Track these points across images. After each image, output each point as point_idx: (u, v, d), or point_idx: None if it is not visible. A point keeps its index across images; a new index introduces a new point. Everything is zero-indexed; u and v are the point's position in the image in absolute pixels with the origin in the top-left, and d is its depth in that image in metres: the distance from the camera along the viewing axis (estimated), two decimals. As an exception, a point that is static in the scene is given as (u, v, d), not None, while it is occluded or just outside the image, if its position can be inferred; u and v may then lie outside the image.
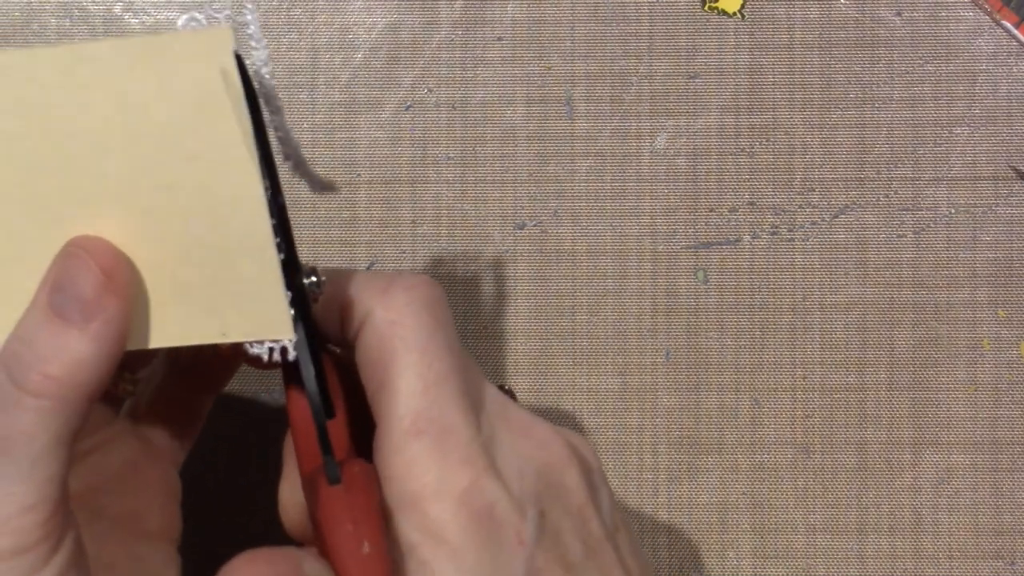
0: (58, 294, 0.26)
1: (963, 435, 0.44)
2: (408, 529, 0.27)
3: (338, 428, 0.29)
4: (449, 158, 0.44)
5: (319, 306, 0.29)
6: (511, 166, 0.44)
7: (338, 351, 0.32)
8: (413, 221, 0.44)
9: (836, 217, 0.44)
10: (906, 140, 0.44)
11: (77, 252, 0.26)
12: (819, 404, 0.44)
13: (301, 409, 0.29)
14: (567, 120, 0.44)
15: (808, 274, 0.44)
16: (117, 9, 0.43)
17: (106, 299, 0.26)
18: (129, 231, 0.27)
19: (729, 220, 0.44)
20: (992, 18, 0.44)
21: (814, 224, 0.44)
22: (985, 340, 0.44)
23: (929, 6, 0.44)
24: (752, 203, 0.44)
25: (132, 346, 0.27)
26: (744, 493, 0.44)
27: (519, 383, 0.44)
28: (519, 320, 0.44)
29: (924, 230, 0.44)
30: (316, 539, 0.28)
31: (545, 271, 0.44)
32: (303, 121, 0.43)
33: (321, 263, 0.43)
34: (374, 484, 0.28)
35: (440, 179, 0.44)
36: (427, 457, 0.27)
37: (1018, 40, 0.44)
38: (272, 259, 0.27)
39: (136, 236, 0.27)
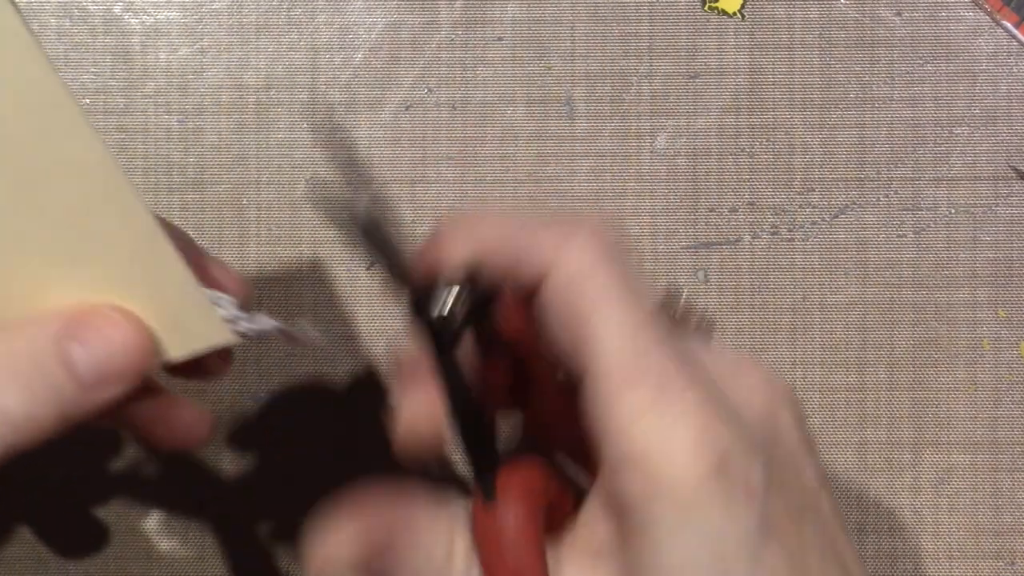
0: (81, 347, 0.27)
1: (963, 435, 0.44)
2: (631, 488, 0.25)
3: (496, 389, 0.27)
4: (449, 158, 0.44)
5: (495, 255, 0.27)
6: (511, 166, 0.44)
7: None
8: (413, 221, 0.44)
9: (836, 217, 0.44)
10: (906, 140, 0.44)
11: (119, 320, 0.28)
12: (819, 404, 0.44)
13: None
14: (567, 120, 0.44)
15: (808, 274, 0.44)
16: (117, 9, 0.43)
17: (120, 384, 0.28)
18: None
19: (729, 220, 0.44)
20: (992, 18, 0.44)
21: (814, 224, 0.44)
22: (985, 340, 0.44)
23: (929, 6, 0.44)
24: (752, 203, 0.44)
25: None
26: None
27: (519, 383, 0.44)
28: (519, 320, 0.44)
29: (924, 230, 0.44)
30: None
31: (545, 271, 0.44)
32: (303, 121, 0.43)
33: (321, 263, 0.43)
34: (537, 494, 0.26)
35: (440, 179, 0.44)
36: (648, 408, 0.25)
37: (1018, 40, 0.44)
38: (181, 273, 0.28)
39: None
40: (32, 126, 0.27)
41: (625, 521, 0.25)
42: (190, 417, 0.31)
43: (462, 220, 0.28)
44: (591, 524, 0.26)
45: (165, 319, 0.29)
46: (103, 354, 0.28)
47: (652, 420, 0.25)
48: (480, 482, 0.25)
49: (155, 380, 0.30)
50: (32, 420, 0.27)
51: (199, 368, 0.31)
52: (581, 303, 0.26)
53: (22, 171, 0.27)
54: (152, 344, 0.28)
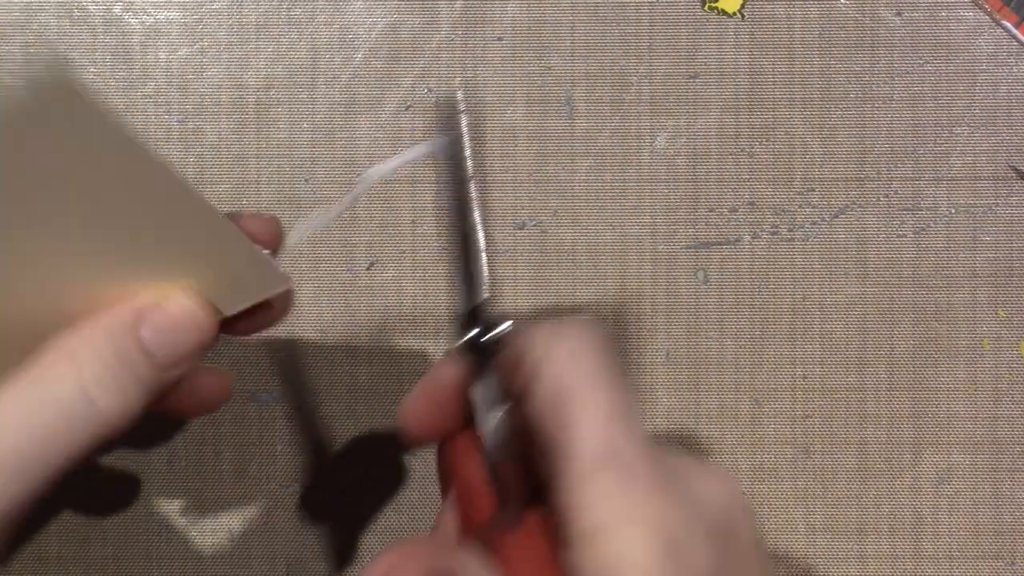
0: (158, 334, 0.29)
1: (963, 435, 0.44)
2: (590, 562, 0.27)
3: (512, 475, 0.30)
4: (449, 158, 0.44)
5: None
6: (511, 166, 0.44)
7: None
8: (413, 221, 0.44)
9: (836, 217, 0.44)
10: (906, 140, 0.44)
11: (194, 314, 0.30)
12: (819, 404, 0.44)
13: (472, 457, 0.30)
14: (567, 120, 0.44)
15: (808, 274, 0.44)
16: (117, 9, 0.43)
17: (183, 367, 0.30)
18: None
19: (729, 220, 0.44)
20: (992, 18, 0.44)
21: (814, 224, 0.44)
22: (985, 340, 0.44)
23: (929, 6, 0.44)
24: (752, 203, 0.44)
25: None
26: (744, 493, 0.44)
27: (519, 383, 0.44)
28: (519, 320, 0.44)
29: (924, 230, 0.44)
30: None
31: (545, 271, 0.44)
32: (303, 121, 0.43)
33: (321, 263, 0.44)
34: (552, 531, 0.28)
35: (440, 179, 0.44)
36: (614, 488, 0.27)
37: (1018, 40, 0.44)
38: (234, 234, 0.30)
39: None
40: (105, 171, 0.28)
41: None
42: (213, 381, 0.32)
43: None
44: None
45: (224, 279, 0.30)
46: (175, 338, 0.30)
47: (617, 500, 0.27)
48: (506, 515, 0.28)
49: None
50: (126, 414, 0.28)
51: (261, 317, 0.33)
52: (565, 390, 0.29)
53: (92, 195, 0.28)
54: (213, 318, 0.30)
